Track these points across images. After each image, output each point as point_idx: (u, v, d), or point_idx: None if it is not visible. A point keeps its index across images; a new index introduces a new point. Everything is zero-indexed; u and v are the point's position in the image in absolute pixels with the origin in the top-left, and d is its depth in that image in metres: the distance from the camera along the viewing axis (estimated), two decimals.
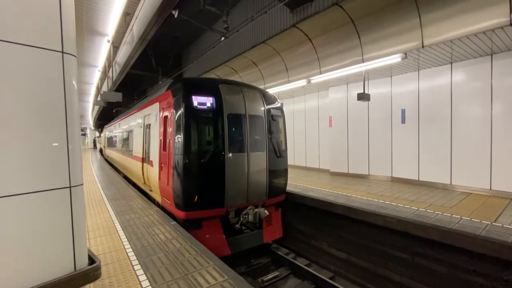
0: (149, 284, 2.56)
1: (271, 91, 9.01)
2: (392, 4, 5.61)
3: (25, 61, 1.44)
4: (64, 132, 1.58)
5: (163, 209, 5.62)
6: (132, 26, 8.77)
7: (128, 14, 8.50)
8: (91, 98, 22.81)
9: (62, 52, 1.57)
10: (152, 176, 6.14)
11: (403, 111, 7.42)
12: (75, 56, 1.65)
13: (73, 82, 1.64)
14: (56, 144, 1.55)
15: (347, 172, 8.94)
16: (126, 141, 10.55)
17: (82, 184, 1.73)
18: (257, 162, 5.33)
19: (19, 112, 1.43)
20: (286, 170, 6.07)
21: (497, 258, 3.50)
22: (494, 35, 4.70)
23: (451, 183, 6.44)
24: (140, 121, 7.73)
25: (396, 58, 5.75)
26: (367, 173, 8.40)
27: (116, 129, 13.76)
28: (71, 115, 1.61)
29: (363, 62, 6.54)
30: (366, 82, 7.59)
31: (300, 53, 8.27)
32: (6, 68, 1.39)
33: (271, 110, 5.79)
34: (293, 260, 5.33)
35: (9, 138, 1.40)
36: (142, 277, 2.70)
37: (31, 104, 1.46)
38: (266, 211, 5.20)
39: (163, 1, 6.27)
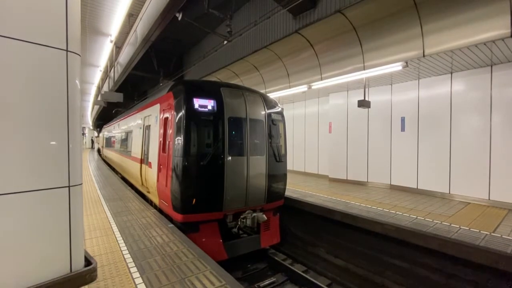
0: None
1: (272, 96, 9.04)
2: (394, 13, 5.67)
3: (29, 58, 1.43)
4: (65, 131, 1.56)
5: (160, 211, 5.57)
6: (136, 28, 8.80)
7: (132, 15, 8.53)
8: (91, 98, 22.78)
9: (67, 50, 1.56)
10: (150, 177, 6.10)
11: (402, 119, 7.45)
12: (79, 55, 1.64)
13: (76, 81, 1.63)
14: (56, 142, 1.53)
15: (345, 178, 8.93)
16: (124, 141, 10.51)
17: (81, 184, 1.70)
18: (257, 166, 5.31)
19: (21, 109, 1.41)
20: (285, 175, 6.04)
21: (496, 269, 3.48)
22: (494, 46, 4.75)
23: (449, 192, 6.43)
24: (140, 122, 7.71)
25: (397, 67, 5.80)
26: (366, 180, 8.39)
27: (115, 129, 13.72)
28: (72, 114, 1.59)
29: (364, 69, 6.58)
30: (366, 89, 7.63)
31: (301, 59, 8.32)
32: (10, 65, 1.38)
33: (272, 114, 5.79)
34: (290, 266, 5.28)
35: (9, 134, 1.38)
36: (138, 280, 2.66)
37: (33, 101, 1.45)
38: (264, 215, 5.17)
39: (168, 4, 6.30)
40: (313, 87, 8.01)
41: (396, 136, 7.62)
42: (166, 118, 5.34)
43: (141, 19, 8.20)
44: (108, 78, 14.96)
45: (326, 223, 5.81)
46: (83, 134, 44.81)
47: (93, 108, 27.86)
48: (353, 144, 8.76)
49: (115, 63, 12.31)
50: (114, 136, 14.24)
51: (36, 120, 1.46)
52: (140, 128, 7.61)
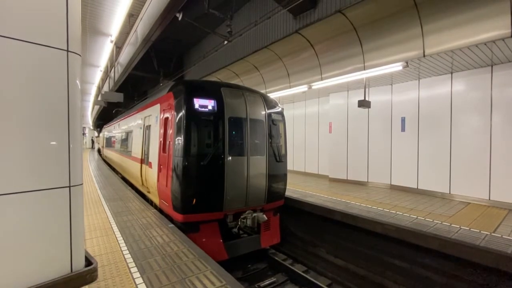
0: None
1: (272, 96, 9.04)
2: (395, 13, 5.67)
3: (29, 59, 1.43)
4: (66, 131, 1.56)
5: (160, 211, 5.57)
6: (136, 28, 8.81)
7: (132, 16, 8.53)
8: (91, 98, 22.79)
9: (67, 50, 1.56)
10: (151, 177, 6.10)
11: (403, 119, 7.45)
12: (79, 55, 1.64)
13: (77, 81, 1.63)
14: (57, 142, 1.53)
15: (346, 178, 8.93)
16: (125, 141, 10.52)
17: (82, 184, 1.70)
18: (257, 166, 5.31)
19: (22, 109, 1.41)
20: (285, 175, 6.04)
21: (497, 269, 3.48)
22: (494, 46, 4.75)
23: (449, 192, 6.43)
24: (140, 122, 7.72)
25: (397, 67, 5.80)
26: (366, 180, 8.38)
27: (116, 129, 13.73)
28: (73, 114, 1.59)
29: (364, 69, 6.58)
30: (366, 89, 7.63)
31: (302, 59, 8.31)
32: (10, 65, 1.38)
33: (272, 114, 5.79)
34: (290, 266, 5.28)
35: (9, 135, 1.38)
36: (139, 280, 2.66)
37: (34, 102, 1.45)
38: (264, 216, 5.17)
39: (168, 4, 6.30)
40: (313, 87, 8.01)
41: (396, 136, 7.62)
42: (167, 118, 5.34)
43: (141, 19, 8.20)
44: (108, 78, 14.97)
45: (326, 223, 5.81)
46: (84, 134, 44.86)
47: (93, 108, 27.88)
48: (353, 144, 8.75)
49: (116, 63, 12.32)
50: (114, 136, 14.24)
51: (37, 120, 1.46)
52: (140, 128, 7.62)
